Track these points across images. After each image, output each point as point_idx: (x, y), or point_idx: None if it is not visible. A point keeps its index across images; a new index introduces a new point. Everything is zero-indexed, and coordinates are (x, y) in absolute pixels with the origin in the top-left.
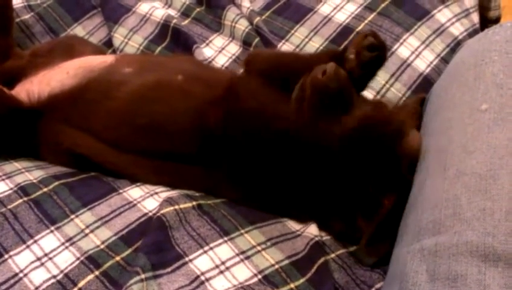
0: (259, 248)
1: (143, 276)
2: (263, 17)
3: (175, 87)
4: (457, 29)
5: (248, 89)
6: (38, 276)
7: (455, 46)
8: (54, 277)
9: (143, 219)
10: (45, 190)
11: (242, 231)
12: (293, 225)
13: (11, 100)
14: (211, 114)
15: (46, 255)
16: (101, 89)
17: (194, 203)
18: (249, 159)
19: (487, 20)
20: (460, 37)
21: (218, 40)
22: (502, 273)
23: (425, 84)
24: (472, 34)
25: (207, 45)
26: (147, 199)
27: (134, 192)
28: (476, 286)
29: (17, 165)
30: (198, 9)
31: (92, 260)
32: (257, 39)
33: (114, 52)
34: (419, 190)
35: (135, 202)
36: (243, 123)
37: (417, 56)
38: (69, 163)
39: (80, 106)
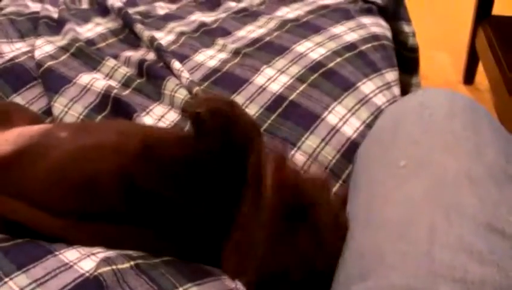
0: None
1: None
2: (201, 86)
3: (107, 146)
4: (380, 100)
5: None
6: None
7: (378, 114)
8: None
9: (79, 279)
10: None
11: (180, 289)
12: (231, 283)
13: None
14: (132, 167)
15: None
16: (35, 154)
17: (132, 263)
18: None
19: None
20: (383, 106)
21: (158, 109)
22: None
23: (352, 148)
24: (393, 103)
25: (147, 113)
26: (83, 259)
27: (70, 254)
28: None
29: None
30: (138, 81)
31: None
32: None
33: (53, 120)
34: (347, 242)
35: (71, 263)
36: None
37: (344, 123)
38: (2, 231)
39: (14, 172)
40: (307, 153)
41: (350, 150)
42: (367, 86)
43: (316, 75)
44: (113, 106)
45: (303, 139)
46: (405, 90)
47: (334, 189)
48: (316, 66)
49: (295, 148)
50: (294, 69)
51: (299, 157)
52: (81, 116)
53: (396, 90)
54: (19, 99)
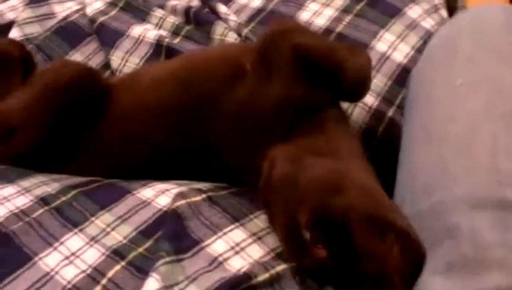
0: (268, 230)
1: (168, 259)
2: (249, 28)
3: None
4: (429, 23)
5: None
6: (69, 272)
7: (427, 38)
8: (84, 271)
9: (158, 213)
10: (64, 198)
11: (251, 217)
12: None
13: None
14: None
15: (73, 254)
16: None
17: (204, 195)
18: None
19: None
20: (432, 30)
21: None
22: (490, 217)
23: (404, 74)
24: (443, 25)
25: None
26: (159, 196)
27: (146, 192)
28: (468, 232)
29: (33, 180)
30: (187, 28)
31: (117, 253)
32: None
33: (113, 73)
34: (408, 160)
35: (149, 200)
36: None
37: (394, 49)
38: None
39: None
40: None
41: (402, 76)
42: (414, 11)
43: (361, 4)
44: (167, 55)
45: None
46: (450, 14)
47: (390, 113)
48: None
49: None
50: (339, 1)
51: None
52: (138, 67)
53: (443, 12)
54: (77, 55)
